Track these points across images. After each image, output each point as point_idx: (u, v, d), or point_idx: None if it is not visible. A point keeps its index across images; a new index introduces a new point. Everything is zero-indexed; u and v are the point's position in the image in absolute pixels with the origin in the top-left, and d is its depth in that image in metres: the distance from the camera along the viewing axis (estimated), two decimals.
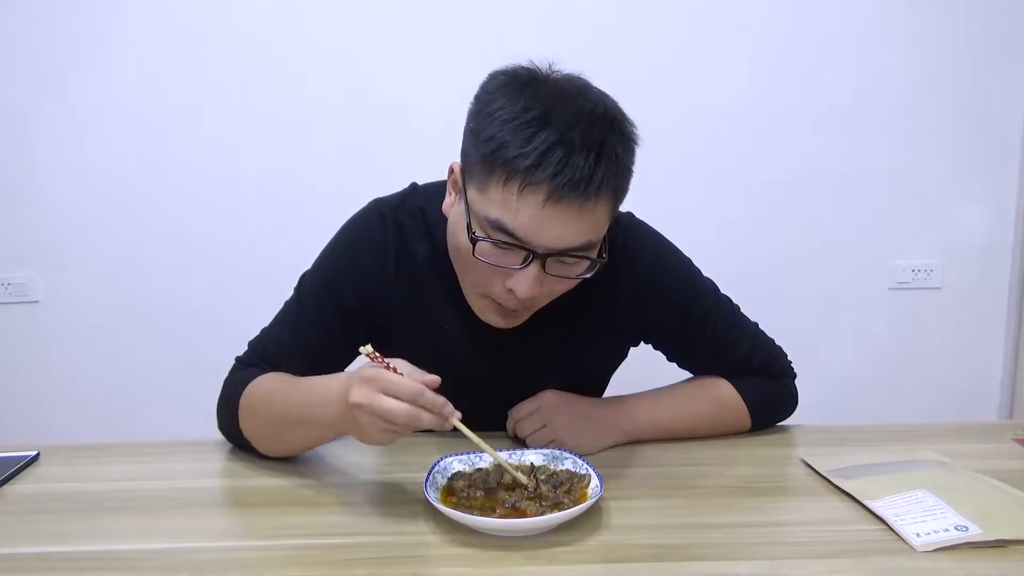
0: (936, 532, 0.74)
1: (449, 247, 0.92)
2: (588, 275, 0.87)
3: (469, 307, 0.93)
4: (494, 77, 0.85)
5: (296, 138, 1.94)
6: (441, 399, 0.76)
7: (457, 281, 0.93)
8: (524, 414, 0.99)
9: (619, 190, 0.84)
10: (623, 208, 0.93)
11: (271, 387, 0.93)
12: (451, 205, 0.90)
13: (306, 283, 1.02)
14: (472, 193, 0.83)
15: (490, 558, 0.72)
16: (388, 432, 0.76)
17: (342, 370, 0.93)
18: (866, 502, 0.81)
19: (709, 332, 1.04)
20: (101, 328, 2.01)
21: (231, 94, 1.92)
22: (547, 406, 0.99)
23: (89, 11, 1.86)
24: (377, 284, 0.96)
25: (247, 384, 0.94)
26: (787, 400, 1.09)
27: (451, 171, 0.90)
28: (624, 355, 1.10)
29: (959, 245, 2.10)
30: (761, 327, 1.10)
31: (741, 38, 1.96)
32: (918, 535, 0.74)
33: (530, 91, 0.80)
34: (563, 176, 0.77)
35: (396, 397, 0.74)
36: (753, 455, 0.98)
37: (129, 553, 0.74)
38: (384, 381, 0.75)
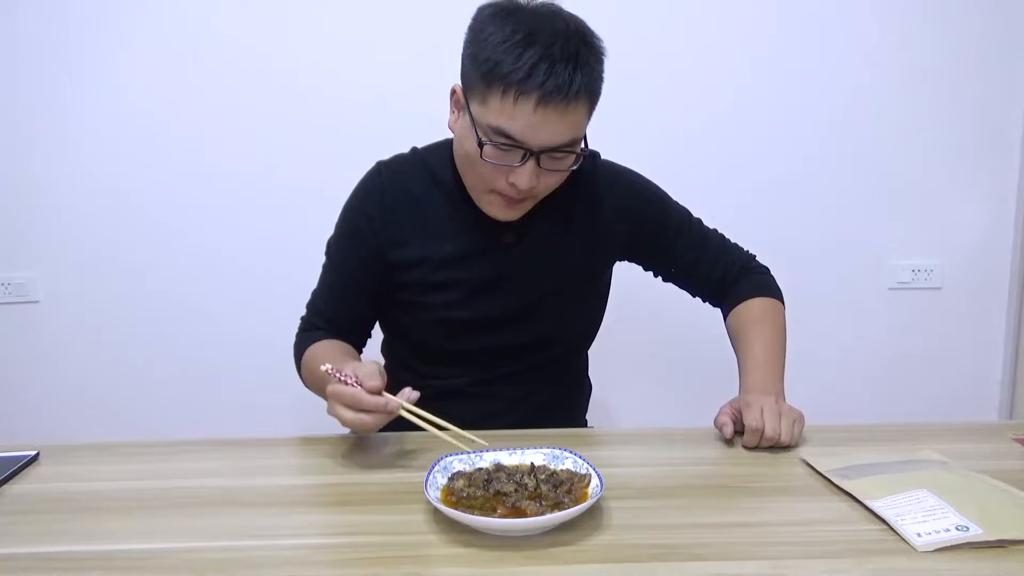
0: (937, 532, 0.74)
1: (456, 156, 1.08)
2: (575, 167, 1.03)
3: (469, 227, 1.11)
4: (483, 9, 0.99)
5: (295, 140, 1.94)
6: (381, 400, 0.90)
7: (457, 206, 1.10)
8: (746, 419, 0.99)
9: (593, 93, 0.99)
10: (596, 147, 1.12)
11: (313, 361, 1.08)
12: (455, 121, 1.05)
13: (332, 248, 1.18)
14: (475, 107, 0.98)
15: (490, 558, 0.72)
16: (355, 429, 0.94)
17: (380, 313, 1.20)
18: (867, 502, 0.81)
19: (687, 235, 1.22)
20: (101, 328, 2.01)
21: (231, 97, 1.92)
22: (745, 401, 1.03)
23: (89, 13, 1.86)
24: (384, 226, 1.11)
25: (303, 352, 1.15)
26: (777, 284, 1.28)
27: (453, 92, 1.04)
28: (609, 267, 1.24)
29: (959, 245, 2.10)
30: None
31: (740, 37, 1.95)
32: (919, 535, 0.74)
33: (514, 18, 0.95)
34: (548, 84, 0.92)
35: (345, 406, 0.91)
36: (753, 455, 0.98)
37: (129, 553, 0.74)
38: (337, 395, 0.91)
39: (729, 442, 1.01)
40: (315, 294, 1.21)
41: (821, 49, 1.97)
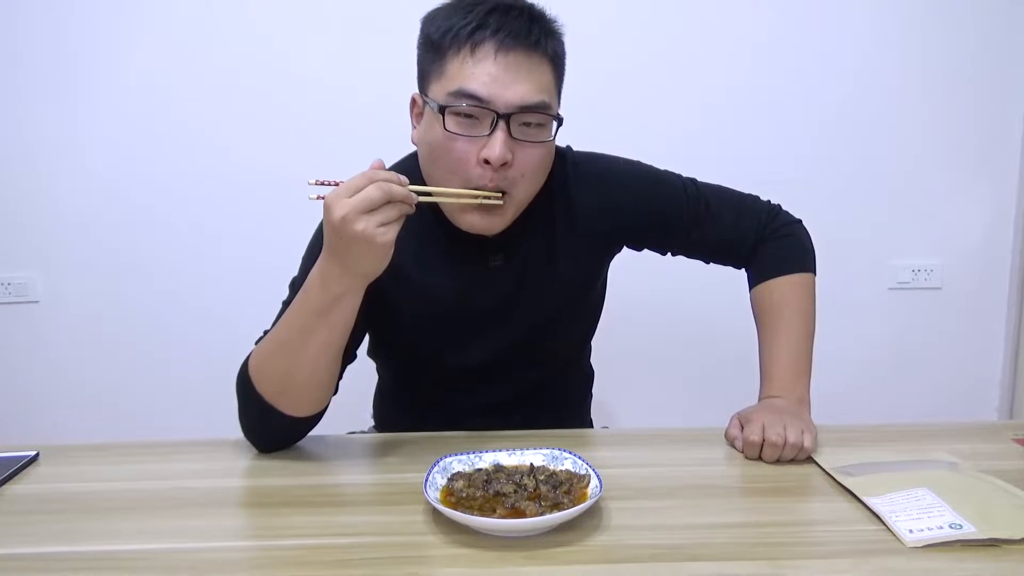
0: (929, 529, 0.74)
1: (422, 165, 0.99)
2: (550, 139, 0.95)
3: (452, 256, 1.03)
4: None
5: (296, 139, 1.94)
6: (394, 173, 0.83)
7: (435, 235, 1.01)
8: (744, 432, 0.97)
9: (556, 55, 0.95)
10: (594, 146, 1.05)
11: (265, 339, 0.96)
12: (417, 133, 0.98)
13: (295, 283, 1.03)
14: (434, 90, 0.93)
15: (490, 558, 0.72)
16: (380, 222, 0.81)
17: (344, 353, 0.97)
18: (864, 498, 0.81)
19: (685, 211, 1.12)
20: (101, 328, 2.01)
21: (232, 95, 1.92)
22: (747, 415, 0.99)
23: (90, 13, 1.86)
24: None
25: (247, 360, 0.96)
26: (808, 240, 1.19)
27: (412, 102, 0.99)
28: (605, 267, 1.16)
29: (959, 245, 2.10)
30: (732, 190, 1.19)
31: (741, 37, 1.96)
32: (911, 531, 0.74)
33: None
34: (504, 30, 0.89)
35: (358, 190, 0.80)
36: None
37: (129, 553, 0.74)
38: (342, 190, 0.81)
39: (729, 443, 1.01)
40: (266, 333, 1.00)
41: (820, 49, 1.97)
